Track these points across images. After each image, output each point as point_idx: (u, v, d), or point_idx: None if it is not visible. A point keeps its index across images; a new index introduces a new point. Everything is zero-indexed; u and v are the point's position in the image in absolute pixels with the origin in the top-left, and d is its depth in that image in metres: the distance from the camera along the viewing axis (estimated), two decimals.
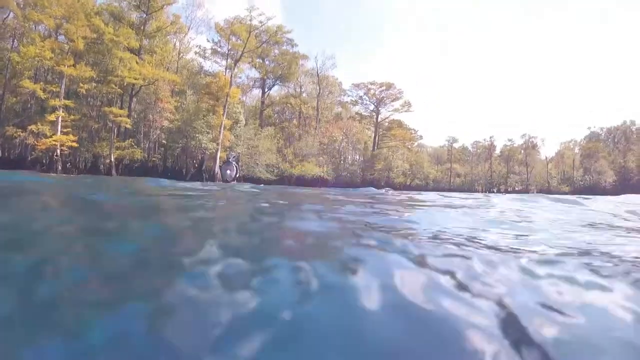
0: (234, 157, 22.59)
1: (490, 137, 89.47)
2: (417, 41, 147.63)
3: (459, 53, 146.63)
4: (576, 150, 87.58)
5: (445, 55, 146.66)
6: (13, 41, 43.89)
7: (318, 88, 69.60)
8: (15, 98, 42.56)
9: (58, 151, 40.43)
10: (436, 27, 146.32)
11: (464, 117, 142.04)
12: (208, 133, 50.22)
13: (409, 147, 77.97)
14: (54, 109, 40.55)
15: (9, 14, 43.61)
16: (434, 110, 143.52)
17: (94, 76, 43.34)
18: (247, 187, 15.37)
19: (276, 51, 66.57)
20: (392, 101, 74.63)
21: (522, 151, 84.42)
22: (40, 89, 40.29)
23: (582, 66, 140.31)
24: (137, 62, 45.94)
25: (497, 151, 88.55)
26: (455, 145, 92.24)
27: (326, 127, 68.89)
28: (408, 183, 73.96)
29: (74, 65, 41.92)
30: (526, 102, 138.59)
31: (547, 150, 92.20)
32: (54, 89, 41.56)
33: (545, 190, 73.00)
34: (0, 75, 42.75)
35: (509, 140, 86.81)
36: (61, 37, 44.15)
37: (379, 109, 75.18)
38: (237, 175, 19.83)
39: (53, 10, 41.28)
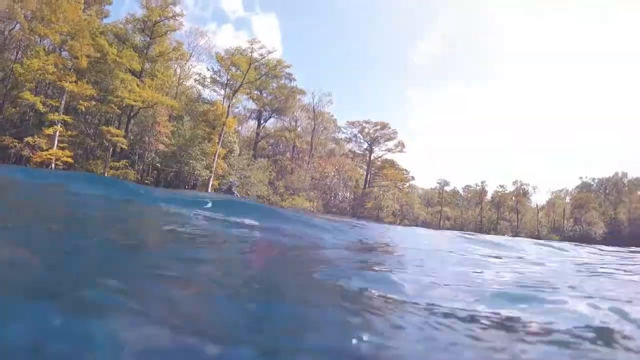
0: (233, 184, 22.56)
1: (482, 182, 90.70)
2: (411, 83, 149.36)
3: (453, 96, 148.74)
4: (567, 200, 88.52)
5: (437, 96, 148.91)
6: (17, 52, 43.69)
7: (313, 123, 70.18)
8: (15, 109, 42.24)
9: (53, 165, 39.83)
10: (432, 71, 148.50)
11: (456, 159, 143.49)
12: (202, 160, 50.28)
13: (400, 187, 78.36)
14: (52, 123, 40.19)
15: (15, 25, 43.80)
16: (426, 152, 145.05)
17: (95, 94, 43.25)
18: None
19: (274, 84, 67.23)
20: (386, 141, 75.50)
21: (513, 198, 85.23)
22: (40, 102, 40.05)
23: (576, 114, 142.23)
24: (137, 85, 46.10)
25: (488, 196, 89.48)
26: (447, 188, 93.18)
27: (319, 163, 69.14)
28: (397, 223, 74.13)
29: (75, 82, 41.80)
30: (519, 147, 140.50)
31: (539, 198, 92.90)
32: (54, 104, 41.37)
33: (535, 237, 73.69)
34: (1, 85, 42.38)
35: (501, 186, 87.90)
36: (65, 53, 44.46)
37: (373, 147, 75.77)
38: None
39: (59, 26, 41.46)
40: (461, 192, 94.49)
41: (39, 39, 43.78)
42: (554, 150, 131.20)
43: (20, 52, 43.57)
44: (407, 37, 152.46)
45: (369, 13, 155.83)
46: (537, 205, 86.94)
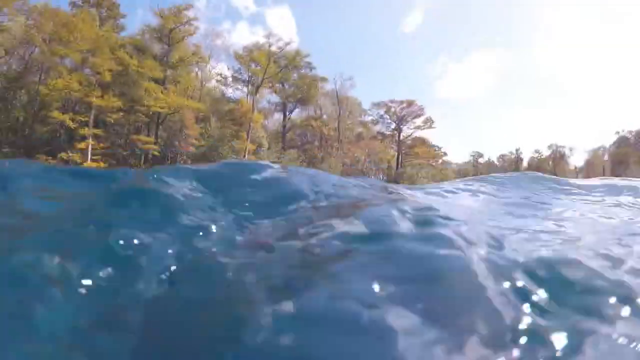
0: None
1: (517, 150, 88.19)
2: (433, 55, 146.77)
3: (479, 61, 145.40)
4: (605, 158, 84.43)
5: (462, 65, 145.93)
6: (40, 74, 45.06)
7: (338, 109, 69.92)
8: (45, 128, 43.80)
9: None
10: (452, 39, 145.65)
11: (488, 129, 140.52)
12: (233, 158, 50.58)
13: (434, 164, 77.10)
14: (83, 138, 41.76)
15: (34, 49, 45.42)
16: (457, 124, 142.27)
17: (121, 106, 44.61)
18: None
19: (295, 75, 67.27)
20: (414, 118, 74.07)
21: (550, 162, 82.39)
22: (70, 119, 41.55)
23: (606, 67, 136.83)
24: (162, 92, 47.26)
25: (525, 164, 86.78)
26: (481, 160, 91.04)
27: (348, 148, 68.84)
28: None
29: (101, 96, 43.24)
30: (551, 108, 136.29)
31: (576, 160, 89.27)
32: (83, 119, 42.76)
33: None
34: (29, 107, 44.23)
35: (536, 152, 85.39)
36: (87, 70, 45.77)
37: (401, 127, 74.64)
38: None
39: (78, 44, 42.86)
40: (496, 162, 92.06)
41: (59, 59, 45.19)
42: (587, 108, 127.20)
43: (43, 74, 45.03)
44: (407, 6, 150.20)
45: None
46: (575, 167, 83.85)
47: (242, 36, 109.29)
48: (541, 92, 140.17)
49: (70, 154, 40.51)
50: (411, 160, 73.06)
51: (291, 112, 70.38)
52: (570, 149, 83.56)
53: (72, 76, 42.34)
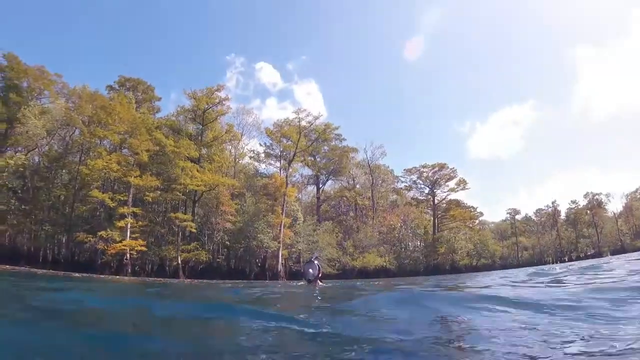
0: (315, 256, 21.95)
1: (553, 203, 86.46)
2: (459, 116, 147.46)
3: (508, 117, 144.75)
4: None
5: (490, 123, 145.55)
6: (81, 155, 46.18)
7: (371, 178, 69.63)
8: (85, 207, 44.04)
9: (127, 255, 41.01)
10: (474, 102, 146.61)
11: (521, 184, 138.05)
12: (269, 232, 50.19)
13: (471, 225, 75.20)
14: (122, 216, 41.62)
15: (74, 131, 46.60)
16: (491, 182, 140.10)
17: (159, 185, 44.92)
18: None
19: (326, 147, 67.79)
20: (447, 181, 73.21)
21: (588, 212, 80.00)
22: (109, 198, 41.71)
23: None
24: (197, 170, 47.40)
25: (562, 216, 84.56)
26: (518, 217, 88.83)
27: (383, 216, 67.88)
28: (474, 264, 70.86)
29: (140, 176, 43.68)
30: (585, 155, 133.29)
31: (614, 206, 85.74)
32: (122, 198, 42.96)
33: (619, 250, 68.02)
34: (70, 186, 44.82)
35: (573, 202, 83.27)
36: (125, 150, 46.70)
37: (435, 191, 73.63)
38: (320, 275, 19.23)
39: (116, 126, 43.99)
40: (534, 217, 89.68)
41: (99, 141, 46.29)
42: (620, 152, 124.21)
43: (83, 154, 46.03)
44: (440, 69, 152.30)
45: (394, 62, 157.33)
46: (614, 213, 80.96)
47: (271, 112, 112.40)
48: (573, 141, 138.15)
49: (110, 232, 40.29)
50: (448, 223, 71.53)
51: (324, 184, 70.45)
52: (607, 195, 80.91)
53: (111, 157, 43.10)
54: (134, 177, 43.19)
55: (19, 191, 44.12)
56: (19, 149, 46.39)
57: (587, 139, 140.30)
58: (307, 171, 68.76)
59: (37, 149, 46.68)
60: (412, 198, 75.62)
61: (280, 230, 50.65)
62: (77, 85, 50.52)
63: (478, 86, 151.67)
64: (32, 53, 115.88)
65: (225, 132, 55.59)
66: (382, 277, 51.80)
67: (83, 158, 45.70)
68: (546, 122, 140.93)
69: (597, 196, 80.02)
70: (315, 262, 19.76)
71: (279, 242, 50.10)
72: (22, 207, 43.05)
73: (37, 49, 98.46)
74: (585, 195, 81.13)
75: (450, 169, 72.70)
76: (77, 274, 31.69)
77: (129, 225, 41.75)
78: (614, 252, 67.54)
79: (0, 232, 42.93)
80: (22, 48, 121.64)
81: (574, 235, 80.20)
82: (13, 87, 46.11)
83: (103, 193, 42.72)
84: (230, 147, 59.31)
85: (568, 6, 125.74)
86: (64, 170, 46.74)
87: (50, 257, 44.37)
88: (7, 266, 33.32)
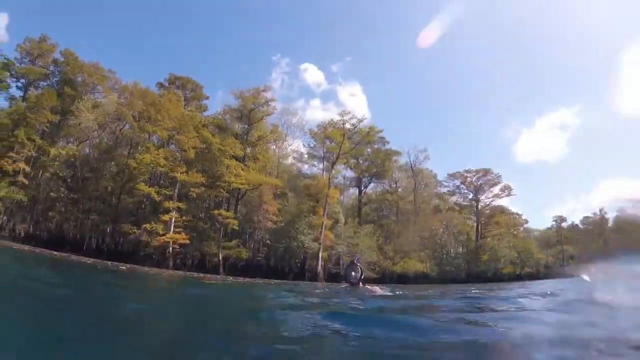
0: (357, 258, 21.15)
1: (601, 210, 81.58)
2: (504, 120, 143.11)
3: (554, 121, 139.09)
4: None
5: (535, 127, 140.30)
6: (129, 149, 46.95)
7: (413, 182, 67.75)
8: (131, 199, 44.71)
9: (170, 248, 41.08)
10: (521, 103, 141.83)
11: (568, 190, 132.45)
12: (310, 233, 49.43)
13: (515, 233, 72.21)
14: (167, 210, 41.77)
15: (125, 125, 47.30)
16: (537, 188, 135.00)
17: (204, 181, 44.89)
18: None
19: (369, 150, 66.43)
20: (491, 187, 70.75)
21: None
22: (155, 192, 42.16)
23: None
24: (242, 169, 47.27)
25: (610, 224, 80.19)
26: (564, 224, 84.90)
27: (425, 221, 66.07)
28: (518, 273, 67.95)
29: (186, 172, 43.81)
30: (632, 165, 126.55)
31: None
32: (168, 192, 43.22)
33: None
34: (117, 178, 45.50)
35: (620, 210, 77.72)
36: (172, 146, 47.15)
37: (478, 196, 71.22)
38: (362, 277, 18.46)
39: (165, 123, 44.29)
40: (580, 225, 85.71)
41: (147, 136, 46.66)
42: None
43: (132, 148, 46.59)
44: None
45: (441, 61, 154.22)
46: None
47: (315, 113, 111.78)
48: (622, 147, 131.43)
49: (154, 225, 40.48)
50: (491, 230, 69.03)
51: (366, 186, 69.03)
52: None
53: (159, 152, 43.51)
54: (180, 172, 43.32)
55: (69, 180, 45.12)
56: (71, 140, 47.56)
57: (638, 146, 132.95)
58: (350, 173, 67.54)
59: (88, 141, 48.02)
60: (455, 203, 73.21)
61: (321, 231, 49.55)
62: (129, 81, 51.52)
63: (525, 89, 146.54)
64: (88, 47, 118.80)
65: (270, 132, 55.26)
66: (421, 284, 49.97)
67: (132, 152, 46.37)
68: (594, 127, 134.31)
69: None
70: (358, 264, 18.93)
71: (319, 244, 49.00)
72: (71, 195, 44.24)
73: (93, 43, 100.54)
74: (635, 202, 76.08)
75: (495, 174, 70.33)
76: (123, 267, 31.49)
77: (173, 219, 41.85)
78: None
79: (49, 219, 43.93)
80: (78, 44, 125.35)
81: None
82: (68, 81, 47.56)
83: (149, 187, 43.34)
84: (274, 147, 58.90)
85: (617, 6, 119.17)
86: (112, 163, 47.65)
87: (94, 246, 44.83)
88: (54, 252, 33.59)
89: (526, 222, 77.59)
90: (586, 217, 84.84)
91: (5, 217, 41.60)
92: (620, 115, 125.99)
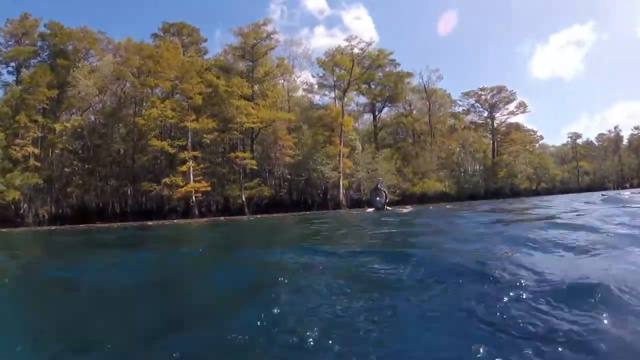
0: (380, 182, 20.73)
1: (615, 128, 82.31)
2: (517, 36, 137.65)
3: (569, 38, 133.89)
4: None
5: (550, 44, 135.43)
6: (135, 107, 45.84)
7: (428, 103, 66.04)
8: (145, 157, 44.12)
9: (193, 198, 41.11)
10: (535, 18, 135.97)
11: (583, 107, 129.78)
12: (328, 163, 49.04)
13: (530, 149, 72.07)
14: (183, 161, 41.44)
15: (125, 84, 45.92)
16: (552, 105, 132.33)
17: (216, 126, 44.11)
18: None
19: (380, 74, 64.25)
20: (506, 104, 69.05)
21: None
22: (168, 145, 41.54)
23: None
24: (252, 108, 46.13)
25: (625, 142, 79.80)
26: (579, 141, 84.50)
27: (442, 141, 65.11)
28: (534, 188, 67.78)
29: (196, 120, 42.95)
30: None
31: None
32: (181, 143, 42.65)
33: None
34: (128, 139, 44.95)
35: (635, 128, 78.93)
36: (178, 96, 45.93)
37: (493, 114, 69.70)
38: (387, 201, 18.08)
39: (167, 73, 43.00)
40: (595, 142, 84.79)
41: (151, 90, 45.52)
42: None
43: (137, 106, 45.60)
44: None
45: None
46: None
47: (321, 41, 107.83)
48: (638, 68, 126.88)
49: (173, 178, 40.24)
50: (507, 147, 68.10)
51: (380, 111, 67.50)
52: None
53: (165, 104, 42.34)
54: (190, 121, 42.45)
55: (80, 151, 44.61)
56: (74, 111, 46.55)
57: None
58: (363, 99, 65.76)
59: (91, 108, 46.77)
60: (471, 122, 71.44)
61: (339, 160, 49.27)
62: (121, 38, 49.86)
63: (539, 5, 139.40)
64: (71, 15, 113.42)
65: (277, 67, 53.31)
66: (441, 202, 49.80)
67: (137, 109, 45.27)
68: (609, 46, 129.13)
69: None
70: (382, 188, 18.75)
71: (339, 172, 48.87)
72: (85, 166, 43.90)
73: (75, 10, 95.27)
74: None
75: (510, 91, 68.40)
76: (150, 223, 31.37)
77: (191, 169, 41.56)
78: None
79: (69, 195, 43.77)
80: (61, 14, 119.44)
81: (637, 162, 75.31)
82: (59, 52, 46.42)
83: (162, 141, 42.51)
84: (282, 81, 57.03)
85: None
86: (120, 125, 46.82)
87: (119, 210, 44.89)
88: (82, 225, 33.30)
89: (541, 138, 77.48)
90: (601, 134, 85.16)
91: (26, 205, 41.14)
92: (635, 37, 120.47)
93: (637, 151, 76.54)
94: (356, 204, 47.96)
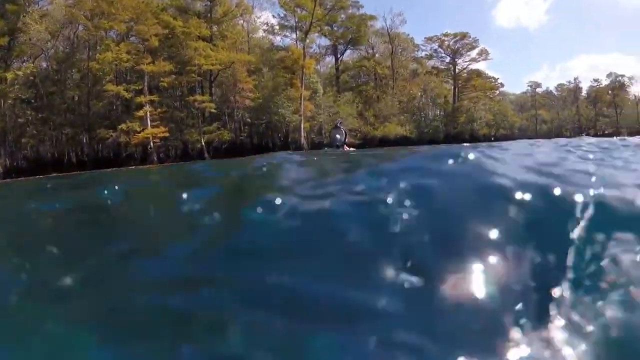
0: (339, 121, 20.93)
1: (575, 79, 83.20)
2: None
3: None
4: None
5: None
6: (88, 51, 43.79)
7: (390, 47, 65.40)
8: (100, 102, 43.07)
9: (151, 144, 40.70)
10: None
11: (544, 57, 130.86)
12: (289, 106, 48.82)
13: (491, 96, 72.70)
14: (140, 106, 40.61)
15: (78, 27, 43.76)
16: (513, 53, 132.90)
17: (173, 69, 43.00)
18: None
19: (343, 16, 62.76)
20: (468, 51, 68.73)
21: (610, 92, 76.32)
22: (124, 90, 40.37)
23: None
24: (211, 49, 44.96)
25: (584, 93, 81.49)
26: (539, 90, 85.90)
27: (403, 85, 65.07)
28: (493, 134, 69.13)
29: (152, 62, 41.75)
30: (612, 35, 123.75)
31: (637, 89, 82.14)
32: (137, 87, 41.66)
33: (637, 131, 65.11)
34: (82, 85, 43.35)
35: (595, 80, 79.38)
36: (133, 38, 44.46)
37: (456, 60, 69.44)
38: (346, 140, 18.40)
39: (121, 14, 41.06)
40: (554, 92, 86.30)
41: (105, 33, 43.65)
42: None
43: (91, 50, 43.60)
44: None
45: None
46: (635, 97, 76.89)
47: None
48: (600, 24, 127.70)
49: (130, 124, 39.58)
50: (468, 93, 68.78)
51: (342, 54, 66.74)
52: (631, 78, 75.93)
53: (120, 47, 40.74)
54: (147, 64, 41.17)
55: (33, 100, 42.73)
56: (25, 58, 44.05)
57: (615, 23, 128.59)
58: (325, 41, 64.61)
59: (43, 54, 44.37)
60: (433, 67, 71.13)
61: (300, 103, 48.91)
62: None
63: None
64: None
65: (235, 6, 51.41)
66: (402, 146, 50.57)
67: (91, 54, 43.11)
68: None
69: (620, 78, 75.46)
70: (341, 127, 19.03)
71: (300, 115, 48.80)
72: (39, 115, 41.91)
73: None
74: (608, 75, 76.69)
75: (472, 38, 67.73)
76: (108, 170, 31.05)
77: (148, 114, 40.74)
78: (631, 134, 64.95)
79: (23, 146, 42.39)
80: None
81: (594, 113, 77.26)
82: None
83: (117, 86, 41.12)
84: (242, 21, 55.20)
85: None
86: (74, 70, 44.81)
87: (75, 159, 43.89)
88: (39, 176, 32.69)
89: (502, 86, 77.40)
90: (561, 85, 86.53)
91: None
92: None
93: (594, 103, 78.08)
94: (317, 146, 47.92)
